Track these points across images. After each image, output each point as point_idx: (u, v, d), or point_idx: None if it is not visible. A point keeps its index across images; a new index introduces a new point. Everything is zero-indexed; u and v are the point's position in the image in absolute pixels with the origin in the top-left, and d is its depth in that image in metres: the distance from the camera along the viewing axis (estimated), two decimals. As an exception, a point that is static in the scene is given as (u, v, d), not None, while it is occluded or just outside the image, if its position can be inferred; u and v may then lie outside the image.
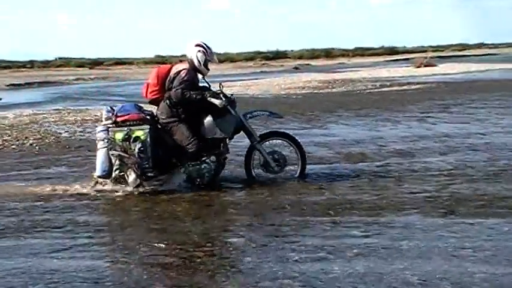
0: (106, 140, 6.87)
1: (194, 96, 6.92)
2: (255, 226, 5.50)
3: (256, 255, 4.68)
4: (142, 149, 6.76)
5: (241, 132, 7.26)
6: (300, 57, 72.92)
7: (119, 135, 6.81)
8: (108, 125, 6.92)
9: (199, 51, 7.05)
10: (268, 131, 7.83)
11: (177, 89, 6.89)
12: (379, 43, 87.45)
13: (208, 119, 7.02)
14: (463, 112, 13.75)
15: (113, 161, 6.83)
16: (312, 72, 43.05)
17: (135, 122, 6.88)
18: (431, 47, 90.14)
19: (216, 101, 6.93)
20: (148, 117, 7.03)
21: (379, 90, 22.76)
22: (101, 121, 7.20)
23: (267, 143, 7.30)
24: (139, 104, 7.32)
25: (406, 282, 4.02)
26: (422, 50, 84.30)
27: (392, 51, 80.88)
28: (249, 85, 28.98)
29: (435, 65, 40.66)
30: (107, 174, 6.90)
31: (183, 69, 7.01)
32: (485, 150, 8.63)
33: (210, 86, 7.29)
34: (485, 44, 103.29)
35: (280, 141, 7.39)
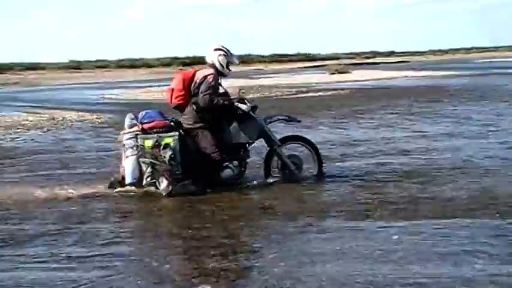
0: (135, 148, 6.81)
1: (222, 101, 6.99)
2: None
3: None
4: (172, 155, 6.76)
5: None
6: (218, 63, 72.95)
7: (149, 143, 6.79)
8: (136, 133, 6.85)
9: (220, 54, 7.12)
10: (284, 135, 7.83)
11: (205, 95, 6.89)
12: (295, 50, 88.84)
13: (233, 125, 7.11)
14: (376, 118, 14.18)
15: (144, 168, 6.78)
16: (229, 78, 43.14)
17: (161, 129, 6.85)
18: (344, 54, 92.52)
19: (243, 106, 7.07)
20: (172, 123, 7.01)
21: (296, 96, 23.15)
22: (124, 128, 7.08)
23: (285, 146, 7.43)
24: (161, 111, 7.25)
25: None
26: (336, 57, 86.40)
27: (308, 58, 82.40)
28: (165, 90, 28.69)
29: (349, 72, 41.74)
30: (137, 182, 6.85)
31: (210, 74, 7.02)
32: (396, 154, 8.94)
33: (227, 91, 7.32)
34: (396, 52, 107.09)
35: (296, 144, 7.56)
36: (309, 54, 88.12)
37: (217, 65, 7.11)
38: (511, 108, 14.82)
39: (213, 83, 6.96)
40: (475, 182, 6.88)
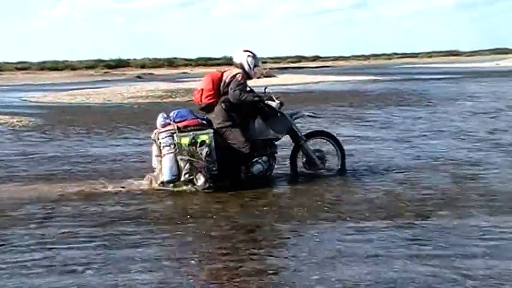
0: (172, 146, 6.93)
1: (252, 97, 7.25)
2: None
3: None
4: (208, 152, 6.93)
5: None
6: (143, 66, 72.30)
7: (185, 140, 6.95)
8: (172, 131, 6.97)
9: (248, 56, 7.42)
10: (310, 131, 8.09)
11: (235, 90, 7.11)
12: (221, 53, 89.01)
13: (260, 121, 7.32)
14: (301, 122, 14.38)
15: (182, 165, 6.91)
16: (155, 81, 42.87)
17: (196, 127, 7.02)
18: (270, 58, 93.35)
19: (273, 103, 7.35)
20: (204, 121, 7.16)
21: (222, 99, 23.21)
22: (156, 128, 7.18)
23: (311, 141, 7.65)
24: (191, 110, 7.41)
25: None
26: (262, 61, 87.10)
27: (231, 62, 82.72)
28: (90, 94, 28.24)
29: (274, 76, 42.20)
30: (176, 179, 6.97)
31: (238, 73, 7.27)
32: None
33: (253, 90, 7.49)
34: (320, 57, 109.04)
35: (319, 139, 7.76)
36: (231, 58, 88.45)
37: (246, 66, 7.40)
38: (428, 112, 15.39)
39: (242, 81, 7.23)
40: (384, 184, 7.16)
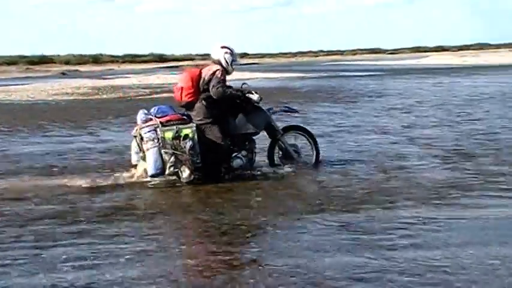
0: (156, 140, 7.01)
1: (234, 92, 7.40)
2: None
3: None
4: (192, 146, 7.03)
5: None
6: (67, 63, 70.45)
7: (169, 134, 7.04)
8: (155, 125, 7.06)
9: (226, 52, 7.48)
10: (285, 125, 8.15)
11: (218, 88, 7.19)
12: (149, 50, 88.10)
13: (240, 116, 7.43)
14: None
15: (167, 158, 7.00)
16: (81, 78, 41.95)
17: (178, 122, 7.14)
18: (198, 55, 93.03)
19: (254, 97, 7.45)
20: (185, 117, 7.26)
21: (150, 96, 22.99)
22: (136, 125, 7.26)
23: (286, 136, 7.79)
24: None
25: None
26: (190, 57, 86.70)
27: (161, 58, 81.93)
28: (12, 91, 27.35)
29: (203, 73, 42.00)
30: (160, 172, 7.05)
31: (218, 69, 7.33)
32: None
33: (231, 86, 7.54)
34: (247, 54, 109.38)
35: (295, 134, 7.92)
36: (163, 54, 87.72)
37: (223, 62, 7.45)
38: (354, 109, 15.76)
39: (222, 77, 7.30)
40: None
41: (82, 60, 74.75)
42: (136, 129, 7.22)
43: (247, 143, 7.51)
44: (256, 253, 4.67)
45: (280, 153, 7.76)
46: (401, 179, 7.06)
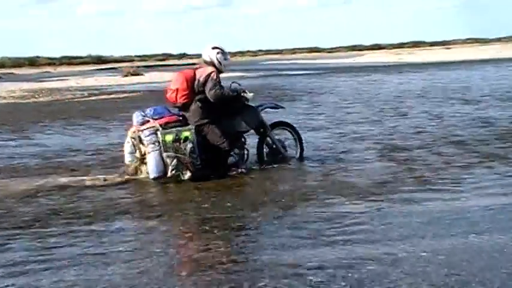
0: (157, 143, 7.06)
1: (231, 93, 7.50)
2: None
3: None
4: (192, 148, 7.08)
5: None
6: (2, 66, 68.56)
7: (169, 137, 7.06)
8: (155, 128, 7.10)
9: (218, 52, 7.57)
10: (272, 121, 8.25)
11: (215, 90, 7.28)
12: (86, 52, 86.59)
13: (236, 116, 7.57)
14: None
15: (169, 161, 7.04)
16: (16, 81, 40.87)
17: (175, 124, 7.19)
18: (137, 56, 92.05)
19: (249, 95, 7.64)
20: (180, 118, 7.32)
21: (88, 99, 22.66)
22: (133, 126, 7.31)
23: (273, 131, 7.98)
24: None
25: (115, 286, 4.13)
26: (129, 59, 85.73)
27: (99, 60, 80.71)
28: None
29: (142, 74, 41.75)
30: (162, 175, 7.09)
31: (212, 71, 7.39)
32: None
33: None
34: (188, 55, 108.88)
35: (281, 129, 8.15)
36: (101, 56, 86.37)
37: (216, 62, 7.53)
38: (291, 107, 15.92)
39: (218, 79, 7.38)
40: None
41: (17, 63, 72.97)
42: (134, 131, 7.28)
43: (239, 140, 7.66)
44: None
45: (267, 149, 7.92)
46: (336, 175, 7.19)
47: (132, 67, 45.85)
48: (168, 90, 7.57)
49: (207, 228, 5.32)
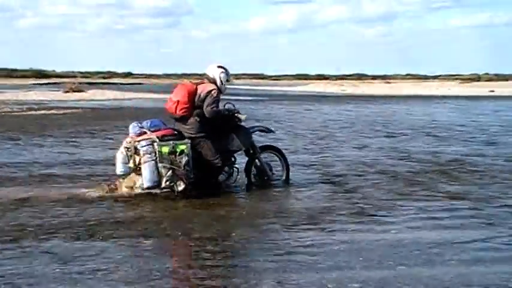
0: (153, 154, 7.17)
1: (226, 112, 7.80)
2: None
3: None
4: (187, 161, 7.23)
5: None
6: None
7: (166, 149, 7.22)
8: (152, 139, 7.23)
9: (222, 72, 7.78)
10: (261, 145, 8.48)
11: (212, 107, 7.51)
12: (27, 65, 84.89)
13: (231, 134, 7.76)
14: (109, 138, 14.22)
15: (164, 172, 7.16)
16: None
17: (171, 137, 7.34)
18: (80, 72, 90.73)
19: (242, 116, 7.87)
20: (176, 132, 7.48)
21: (27, 113, 22.14)
22: (128, 136, 7.48)
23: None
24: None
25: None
26: (72, 75, 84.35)
27: (41, 74, 79.11)
28: None
29: (84, 91, 41.10)
30: (156, 185, 7.21)
31: (213, 89, 7.59)
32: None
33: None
34: (132, 74, 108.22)
35: (269, 153, 8.36)
36: (43, 70, 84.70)
37: (218, 81, 7.73)
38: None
39: (217, 97, 7.58)
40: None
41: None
42: (130, 141, 7.37)
43: (230, 159, 7.88)
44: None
45: (255, 170, 8.08)
46: (273, 203, 7.27)
47: (74, 83, 44.98)
48: (168, 101, 7.68)
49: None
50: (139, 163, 7.25)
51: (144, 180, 7.21)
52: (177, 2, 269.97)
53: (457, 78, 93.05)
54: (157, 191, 7.36)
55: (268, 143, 9.12)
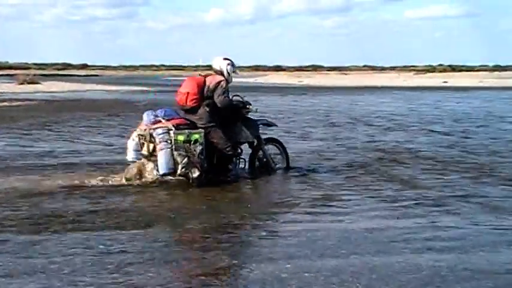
0: (169, 141, 7.38)
1: (235, 103, 8.07)
2: None
3: None
4: (202, 150, 7.48)
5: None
6: None
7: (181, 137, 7.44)
8: (168, 128, 7.44)
9: (228, 64, 8.04)
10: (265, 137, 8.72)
11: (224, 97, 7.79)
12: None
13: (240, 125, 8.07)
14: (66, 130, 14.06)
15: (179, 160, 7.37)
16: None
17: (185, 126, 7.58)
18: (35, 64, 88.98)
19: (253, 108, 8.16)
20: (188, 121, 7.69)
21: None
22: (142, 124, 7.72)
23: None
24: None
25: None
26: (25, 66, 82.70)
27: (-6, 65, 77.22)
28: None
29: (39, 83, 40.41)
30: (172, 172, 7.43)
31: (222, 80, 7.86)
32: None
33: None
34: (89, 66, 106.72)
35: (272, 145, 8.62)
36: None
37: (225, 72, 7.99)
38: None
39: (226, 88, 7.86)
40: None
41: None
42: (145, 129, 7.62)
43: (238, 150, 8.16)
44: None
45: (257, 161, 8.37)
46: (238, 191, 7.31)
47: (28, 75, 44.13)
48: (178, 93, 7.94)
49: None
50: (154, 150, 7.51)
51: (160, 167, 7.44)
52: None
53: (412, 70, 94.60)
54: (171, 177, 7.62)
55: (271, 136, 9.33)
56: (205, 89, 7.85)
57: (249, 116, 8.23)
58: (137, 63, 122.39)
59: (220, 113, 7.85)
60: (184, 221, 6.02)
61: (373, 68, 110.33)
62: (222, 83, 7.86)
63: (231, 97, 8.06)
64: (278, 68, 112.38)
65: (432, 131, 14.41)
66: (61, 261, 4.70)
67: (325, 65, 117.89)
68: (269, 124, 8.83)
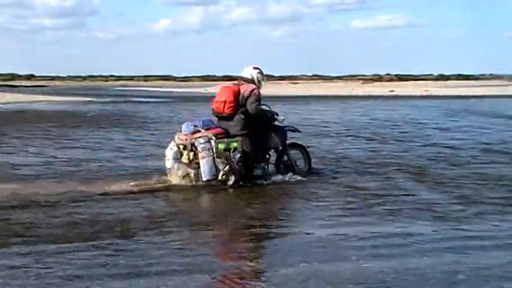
0: (211, 150, 7.87)
1: (266, 111, 8.53)
2: None
3: None
4: (240, 157, 7.94)
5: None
6: None
7: (222, 146, 7.94)
8: (209, 137, 7.95)
9: (258, 72, 8.57)
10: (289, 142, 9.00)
11: (256, 104, 8.23)
12: None
13: (270, 133, 8.52)
14: (4, 142, 13.66)
15: (221, 167, 7.86)
16: None
17: (223, 135, 8.05)
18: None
19: (280, 118, 8.62)
20: (224, 131, 8.14)
21: None
22: (182, 134, 8.22)
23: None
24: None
25: None
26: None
27: None
28: None
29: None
30: (214, 178, 7.89)
31: (255, 88, 8.33)
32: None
33: None
34: (35, 76, 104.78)
35: (296, 150, 9.00)
36: None
37: (256, 81, 8.45)
38: (135, 133, 15.77)
39: (259, 95, 8.28)
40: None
41: None
42: (185, 139, 8.10)
43: (267, 156, 8.59)
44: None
45: (282, 165, 8.75)
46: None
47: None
48: (214, 102, 8.36)
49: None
50: (194, 158, 7.99)
51: (203, 173, 7.90)
52: (81, 2, 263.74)
53: (360, 79, 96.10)
54: (214, 182, 7.99)
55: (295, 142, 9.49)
56: (240, 97, 8.23)
57: (276, 124, 8.62)
58: (85, 74, 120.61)
59: (253, 120, 8.25)
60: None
61: (322, 78, 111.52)
62: (255, 91, 8.29)
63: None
64: (228, 78, 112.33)
65: (358, 136, 14.91)
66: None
67: (276, 74, 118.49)
68: (294, 130, 9.18)
